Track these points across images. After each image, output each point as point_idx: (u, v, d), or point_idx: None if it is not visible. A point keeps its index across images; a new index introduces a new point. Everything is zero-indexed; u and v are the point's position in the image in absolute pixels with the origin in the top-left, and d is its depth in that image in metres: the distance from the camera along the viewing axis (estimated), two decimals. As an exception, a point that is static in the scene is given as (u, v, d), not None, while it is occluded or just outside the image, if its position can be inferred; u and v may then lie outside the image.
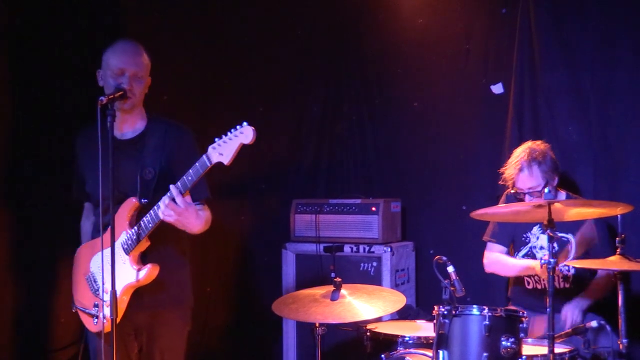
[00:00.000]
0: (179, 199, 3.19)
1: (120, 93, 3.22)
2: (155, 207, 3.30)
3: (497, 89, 5.14)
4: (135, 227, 3.37)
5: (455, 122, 5.41)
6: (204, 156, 3.19)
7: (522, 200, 4.28)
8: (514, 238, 4.51)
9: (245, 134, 3.11)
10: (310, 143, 5.87)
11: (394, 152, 5.75)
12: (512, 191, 4.33)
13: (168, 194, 3.21)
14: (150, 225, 3.34)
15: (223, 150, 3.15)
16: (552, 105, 4.97)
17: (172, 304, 3.59)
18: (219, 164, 3.16)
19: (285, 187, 5.69)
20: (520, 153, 4.31)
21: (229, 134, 3.15)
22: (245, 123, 3.13)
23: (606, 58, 4.75)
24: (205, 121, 5.24)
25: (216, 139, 3.17)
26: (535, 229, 4.41)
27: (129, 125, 3.58)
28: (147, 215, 3.34)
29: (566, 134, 4.88)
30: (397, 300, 3.96)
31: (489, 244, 4.55)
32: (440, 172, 5.49)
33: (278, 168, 5.57)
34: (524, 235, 4.44)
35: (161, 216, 3.26)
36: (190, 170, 3.21)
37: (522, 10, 5.02)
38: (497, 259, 4.48)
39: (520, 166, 4.25)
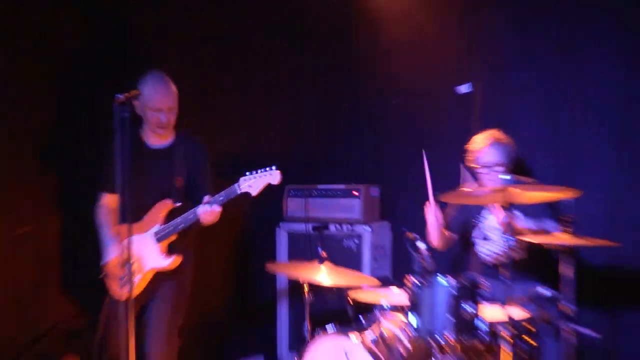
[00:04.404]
0: (216, 209, 3.62)
1: (137, 94, 3.24)
2: (188, 213, 3.66)
3: (466, 88, 5.09)
4: (170, 223, 3.70)
5: (428, 117, 5.42)
6: (235, 185, 3.58)
7: (475, 174, 4.33)
8: (466, 224, 4.49)
9: (274, 176, 3.59)
10: (302, 136, 5.90)
11: (374, 144, 5.80)
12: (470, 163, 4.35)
13: (207, 206, 3.61)
14: (180, 226, 3.68)
15: (252, 184, 3.57)
16: (515, 103, 4.99)
17: (173, 282, 3.84)
18: (247, 193, 3.60)
19: (280, 172, 5.68)
20: (488, 133, 4.32)
21: (260, 171, 3.58)
22: (274, 167, 3.59)
23: (565, 61, 4.77)
24: (206, 112, 5.23)
25: (247, 173, 3.58)
26: (485, 212, 4.40)
27: (162, 137, 3.85)
28: (181, 217, 3.68)
29: (528, 129, 4.90)
30: (373, 283, 4.04)
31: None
32: (413, 162, 5.35)
33: (273, 157, 5.55)
34: (475, 219, 4.43)
35: (201, 217, 3.65)
36: (223, 192, 3.62)
37: (488, 17, 5.06)
38: (443, 242, 4.47)
39: (490, 141, 4.25)
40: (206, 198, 3.63)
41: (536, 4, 4.89)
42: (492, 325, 3.50)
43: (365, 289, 4.17)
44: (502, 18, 5.04)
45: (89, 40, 4.66)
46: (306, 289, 3.98)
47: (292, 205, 5.65)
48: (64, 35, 4.51)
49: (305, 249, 5.34)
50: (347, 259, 5.22)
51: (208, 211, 3.62)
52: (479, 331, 3.49)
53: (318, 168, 5.84)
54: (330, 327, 3.79)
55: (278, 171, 3.58)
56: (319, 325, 3.87)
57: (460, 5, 5.25)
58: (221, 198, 3.62)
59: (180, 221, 3.68)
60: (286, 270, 4.11)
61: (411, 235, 3.67)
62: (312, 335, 3.83)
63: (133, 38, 4.86)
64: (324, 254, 3.95)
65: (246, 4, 5.57)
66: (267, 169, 3.59)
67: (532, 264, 4.23)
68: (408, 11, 5.48)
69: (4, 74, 4.17)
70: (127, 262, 3.36)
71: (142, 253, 3.69)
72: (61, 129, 4.50)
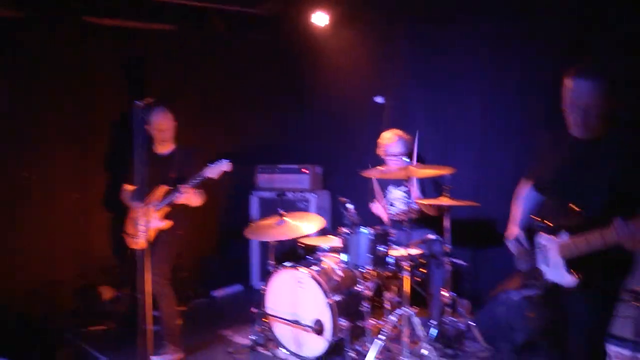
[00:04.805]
0: (185, 190, 3.71)
1: (151, 101, 3.24)
2: (174, 192, 3.76)
3: (378, 99, 5.10)
4: (164, 199, 3.82)
5: (355, 119, 5.45)
6: (202, 172, 3.67)
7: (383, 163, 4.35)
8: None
9: (225, 165, 3.66)
10: (270, 130, 5.82)
11: (319, 137, 5.79)
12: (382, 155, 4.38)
13: (183, 189, 3.72)
14: (167, 202, 3.80)
15: (213, 171, 3.66)
16: (412, 108, 5.00)
17: (168, 235, 3.89)
18: (210, 178, 3.67)
19: (253, 156, 5.67)
20: (394, 131, 4.34)
21: (217, 162, 3.65)
22: (226, 160, 3.65)
23: (444, 81, 4.78)
24: (205, 120, 5.28)
25: (209, 164, 3.66)
26: (390, 187, 4.43)
27: (165, 148, 3.99)
28: (170, 195, 3.79)
29: (419, 126, 4.80)
30: (320, 221, 4.06)
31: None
32: (345, 150, 5.53)
33: (249, 144, 5.60)
34: (385, 192, 4.47)
35: (177, 200, 3.76)
36: (196, 177, 3.68)
37: (396, 52, 5.07)
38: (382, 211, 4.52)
39: (397, 138, 4.30)
40: (180, 187, 3.76)
41: (425, 43, 4.89)
42: (397, 260, 3.61)
43: (312, 236, 4.24)
44: (404, 52, 5.05)
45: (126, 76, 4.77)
46: (271, 238, 4.01)
47: (262, 179, 5.68)
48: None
49: (271, 210, 5.23)
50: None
51: (184, 192, 3.73)
52: (388, 265, 3.60)
53: (280, 153, 5.81)
54: (287, 263, 3.84)
55: (229, 162, 3.68)
56: (279, 262, 3.91)
57: (377, 42, 5.25)
58: (193, 182, 3.72)
59: (169, 197, 3.81)
60: (256, 230, 4.12)
61: (343, 199, 3.73)
62: (275, 269, 3.87)
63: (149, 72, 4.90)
64: (283, 213, 3.99)
65: (229, 42, 5.52)
66: (221, 160, 3.68)
67: (424, 218, 4.33)
68: (342, 46, 5.48)
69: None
70: (138, 225, 3.65)
71: (148, 219, 3.77)
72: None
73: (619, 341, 3.29)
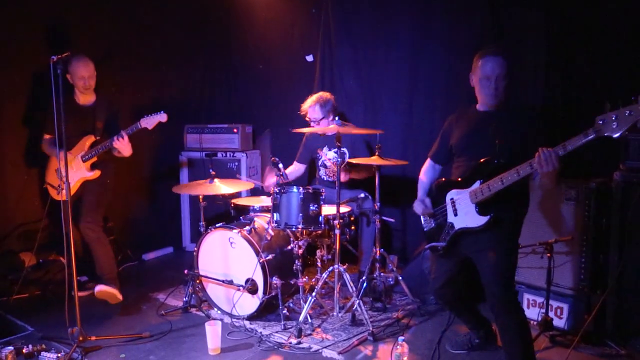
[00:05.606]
0: (126, 139, 3.80)
1: (67, 55, 3.11)
2: (106, 142, 3.83)
3: (310, 58, 5.18)
4: (92, 150, 3.89)
5: (285, 78, 5.44)
6: (137, 122, 3.77)
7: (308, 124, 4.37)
8: (312, 156, 4.55)
9: (162, 116, 3.79)
10: (197, 88, 5.72)
11: (248, 95, 5.73)
12: (307, 119, 4.40)
13: (118, 136, 3.78)
14: (98, 152, 3.87)
15: (149, 122, 3.78)
16: (341, 69, 5.04)
17: (96, 184, 3.99)
18: (145, 128, 3.79)
19: (181, 116, 5.51)
20: (313, 97, 4.36)
21: (153, 114, 3.76)
22: (162, 111, 3.78)
23: (372, 42, 4.83)
24: (136, 76, 5.09)
25: (145, 115, 3.77)
26: (325, 149, 4.46)
27: (86, 98, 4.00)
28: (100, 145, 3.86)
29: (349, 86, 4.99)
30: (249, 184, 4.12)
31: (295, 162, 4.60)
32: (275, 108, 5.51)
33: (177, 104, 5.45)
34: (318, 154, 4.49)
35: (114, 145, 3.81)
36: (130, 127, 3.77)
37: (324, 10, 5.04)
38: (293, 171, 4.57)
39: (311, 104, 4.32)
40: (123, 132, 3.82)
41: (355, 6, 4.89)
42: (328, 218, 3.66)
43: (243, 196, 4.24)
44: (335, 12, 5.01)
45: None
46: (201, 198, 3.98)
47: (190, 139, 5.56)
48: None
49: (200, 170, 5.29)
50: (230, 176, 5.12)
51: (119, 140, 3.80)
52: (319, 223, 3.60)
53: (208, 112, 5.73)
54: (218, 224, 3.82)
55: (165, 114, 3.79)
56: (211, 223, 3.90)
57: (307, 2, 5.21)
58: (128, 131, 3.79)
59: (100, 147, 3.87)
60: (187, 189, 4.08)
61: (273, 159, 3.75)
62: (206, 230, 3.85)
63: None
64: (213, 173, 3.96)
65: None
66: (159, 112, 3.78)
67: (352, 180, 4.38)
68: (271, 2, 5.42)
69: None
70: (62, 175, 3.53)
71: (73, 169, 3.90)
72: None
73: (533, 289, 3.51)
